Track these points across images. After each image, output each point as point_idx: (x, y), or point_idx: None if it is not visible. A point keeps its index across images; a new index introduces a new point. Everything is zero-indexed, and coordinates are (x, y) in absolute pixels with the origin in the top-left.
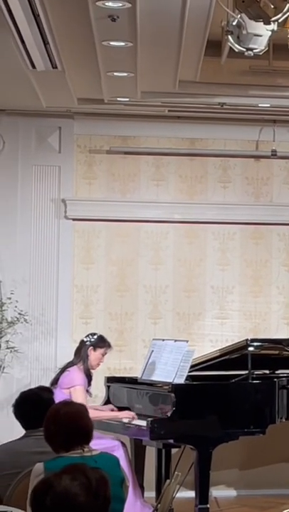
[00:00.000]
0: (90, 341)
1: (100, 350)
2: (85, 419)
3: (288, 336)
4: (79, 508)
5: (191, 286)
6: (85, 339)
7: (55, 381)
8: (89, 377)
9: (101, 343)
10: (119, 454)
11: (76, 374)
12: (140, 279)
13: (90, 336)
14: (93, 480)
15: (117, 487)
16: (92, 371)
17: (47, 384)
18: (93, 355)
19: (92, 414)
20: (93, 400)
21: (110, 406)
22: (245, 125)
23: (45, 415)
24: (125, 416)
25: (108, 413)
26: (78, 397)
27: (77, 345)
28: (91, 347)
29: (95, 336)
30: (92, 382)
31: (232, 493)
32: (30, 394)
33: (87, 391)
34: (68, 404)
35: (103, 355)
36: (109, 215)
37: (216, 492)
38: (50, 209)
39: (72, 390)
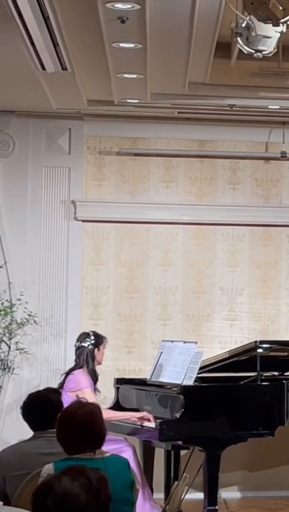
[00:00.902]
0: (91, 343)
1: (102, 346)
2: (100, 423)
3: None
4: (80, 508)
5: (200, 287)
6: (84, 344)
7: (61, 386)
8: (95, 378)
9: (99, 339)
10: (128, 455)
11: (81, 377)
12: (149, 281)
13: (87, 339)
14: (93, 480)
15: (127, 489)
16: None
17: (56, 385)
18: (98, 354)
19: (107, 415)
20: (103, 402)
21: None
22: (254, 127)
23: (54, 416)
24: (142, 415)
25: (124, 413)
26: (89, 400)
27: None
28: (95, 348)
29: (92, 337)
30: (102, 384)
31: (241, 494)
32: (38, 395)
33: (96, 389)
34: (84, 405)
35: (104, 348)
36: (118, 216)
37: (225, 494)
38: (60, 210)
39: (79, 393)
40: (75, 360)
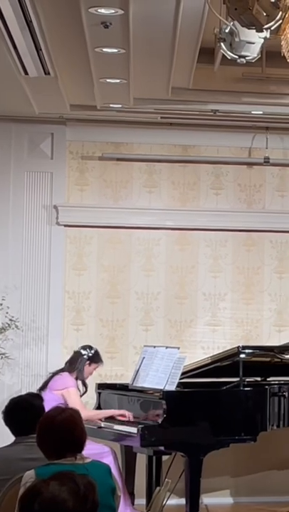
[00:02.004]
0: (88, 355)
1: (94, 365)
2: (79, 428)
3: (280, 343)
4: None
5: (182, 293)
6: (82, 351)
7: (44, 386)
8: (85, 388)
9: (97, 358)
10: (109, 460)
11: (68, 378)
12: (132, 286)
13: (88, 350)
14: (81, 485)
15: (108, 496)
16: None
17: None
18: (88, 368)
19: (88, 414)
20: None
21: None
22: (237, 132)
23: (36, 422)
24: (121, 413)
25: (104, 412)
26: (73, 398)
27: (67, 351)
28: (88, 361)
29: (93, 351)
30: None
31: (222, 500)
32: (20, 400)
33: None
34: (63, 411)
35: (95, 369)
36: (101, 221)
37: (207, 499)
38: (42, 215)
39: (65, 392)
40: (66, 363)
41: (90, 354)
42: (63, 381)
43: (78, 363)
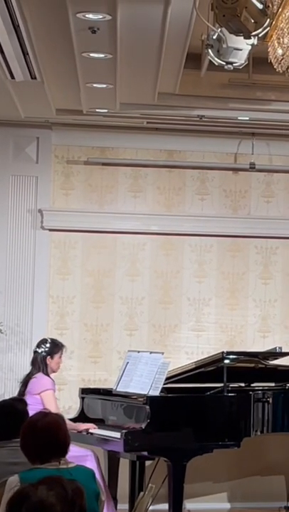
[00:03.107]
0: (45, 350)
1: (56, 356)
2: (63, 432)
3: (264, 349)
4: None
5: (167, 298)
6: (38, 350)
7: (21, 393)
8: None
9: (55, 348)
10: (92, 464)
11: (45, 379)
12: (116, 291)
13: (43, 345)
14: (69, 490)
15: (92, 501)
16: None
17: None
18: (52, 362)
19: None
20: (67, 411)
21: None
22: (223, 138)
23: (20, 426)
24: (86, 427)
25: (72, 424)
26: (50, 401)
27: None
28: (48, 356)
29: (48, 344)
30: (67, 394)
31: (205, 506)
32: (4, 405)
33: None
34: (47, 415)
35: (61, 357)
36: (86, 225)
37: (190, 505)
38: (27, 219)
39: (42, 394)
40: (30, 366)
41: (46, 348)
42: (40, 384)
43: (40, 362)
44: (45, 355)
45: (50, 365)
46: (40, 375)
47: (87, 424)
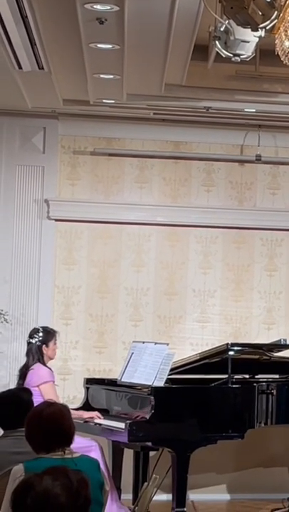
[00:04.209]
0: (39, 339)
1: (51, 343)
2: (67, 421)
3: (268, 341)
4: (59, 508)
5: (172, 289)
6: (32, 340)
7: (21, 384)
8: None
9: (49, 335)
10: (96, 455)
11: (43, 370)
12: (122, 281)
13: (36, 335)
14: (74, 481)
15: (96, 490)
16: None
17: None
18: (48, 350)
19: None
20: (72, 401)
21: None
22: (230, 129)
23: (25, 416)
24: (90, 416)
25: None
26: (50, 393)
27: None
28: (43, 345)
29: (40, 333)
30: (71, 384)
31: (209, 496)
32: (9, 394)
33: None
34: (51, 405)
35: (55, 344)
36: (92, 216)
37: (193, 496)
38: (33, 209)
39: (42, 387)
40: (26, 357)
41: (40, 337)
42: (39, 376)
43: (35, 352)
44: (40, 345)
45: (47, 353)
46: (37, 367)
47: (91, 413)
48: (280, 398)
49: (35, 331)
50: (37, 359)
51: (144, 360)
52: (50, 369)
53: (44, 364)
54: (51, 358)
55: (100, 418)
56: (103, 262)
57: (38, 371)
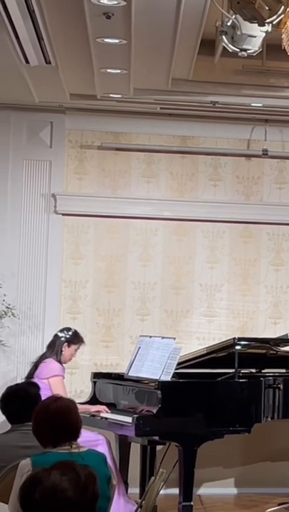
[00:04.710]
0: (66, 337)
1: (74, 346)
2: (74, 416)
3: (275, 336)
4: (67, 503)
5: (179, 283)
6: (59, 334)
7: (30, 375)
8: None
9: (76, 339)
10: (103, 449)
11: (54, 364)
12: (129, 276)
13: (65, 332)
14: (82, 476)
15: (103, 485)
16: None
17: (33, 378)
18: (67, 350)
19: None
20: (79, 395)
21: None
22: (237, 124)
23: (32, 410)
24: (97, 409)
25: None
26: (58, 387)
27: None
28: (66, 343)
29: (70, 332)
30: (79, 378)
31: (216, 491)
32: (17, 389)
33: None
34: (58, 399)
35: (76, 350)
36: (99, 210)
37: (200, 490)
38: (40, 203)
39: (51, 380)
40: (47, 348)
41: (68, 336)
42: (49, 369)
43: (57, 346)
44: (64, 341)
45: (65, 353)
46: (50, 360)
47: (98, 406)
48: (286, 392)
49: (67, 329)
50: (55, 353)
51: (151, 355)
52: (62, 366)
53: (59, 361)
54: (65, 361)
55: (107, 412)
56: (110, 256)
57: (49, 364)
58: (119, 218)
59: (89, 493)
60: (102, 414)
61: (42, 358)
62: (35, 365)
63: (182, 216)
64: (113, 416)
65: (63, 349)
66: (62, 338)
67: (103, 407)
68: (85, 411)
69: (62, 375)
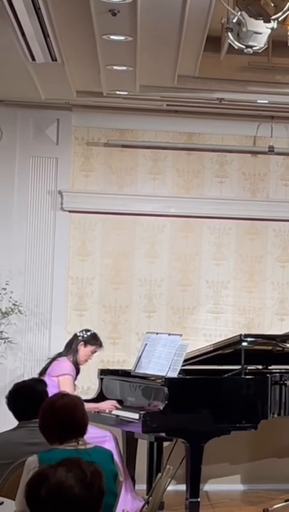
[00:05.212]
0: (83, 337)
1: (90, 348)
2: (80, 412)
3: (282, 332)
4: (73, 500)
5: (186, 280)
6: (78, 333)
7: (44, 371)
8: (77, 370)
9: (93, 340)
10: (110, 445)
11: (66, 363)
12: (135, 272)
13: (84, 332)
14: (88, 473)
15: (110, 481)
16: (80, 367)
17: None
18: (83, 350)
19: None
20: (86, 392)
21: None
22: (243, 121)
23: (39, 407)
24: (107, 407)
25: (90, 404)
26: (66, 386)
27: (70, 336)
28: (82, 342)
29: (89, 333)
30: (86, 374)
31: (223, 487)
32: (24, 385)
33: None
34: (64, 396)
35: (92, 352)
36: (105, 207)
37: (207, 486)
38: (47, 200)
39: (60, 378)
40: (65, 346)
41: (85, 336)
42: (60, 367)
43: (74, 345)
44: (80, 341)
45: (80, 352)
46: (63, 359)
47: (108, 402)
48: None
49: (86, 330)
50: (71, 352)
51: (157, 351)
52: (74, 367)
53: (75, 361)
54: (79, 362)
55: (117, 407)
56: (117, 253)
57: (61, 363)
58: (126, 215)
59: (95, 490)
60: (113, 412)
61: (57, 356)
62: (50, 363)
63: (188, 213)
64: (120, 412)
65: (79, 348)
66: (80, 338)
67: (113, 403)
68: (96, 409)
69: (72, 375)
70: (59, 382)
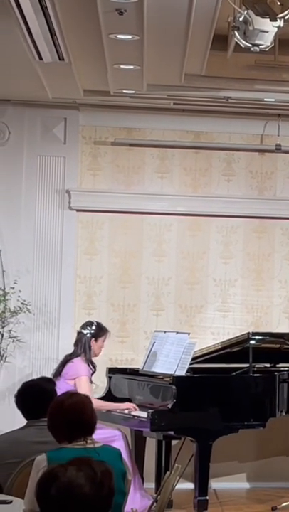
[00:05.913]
0: (90, 332)
1: (101, 339)
2: (89, 411)
3: None
4: (83, 499)
5: (193, 278)
6: (84, 331)
7: (58, 373)
8: (93, 368)
9: (101, 332)
10: (120, 444)
11: (81, 364)
12: (143, 271)
13: (88, 327)
14: (98, 472)
15: (119, 480)
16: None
17: (48, 374)
18: (95, 345)
19: (95, 403)
20: (94, 391)
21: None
22: (250, 119)
23: (48, 406)
24: (127, 407)
25: (110, 404)
26: (84, 387)
27: None
28: (92, 338)
29: (93, 326)
30: (94, 373)
31: (231, 485)
32: (32, 384)
33: (91, 381)
34: (73, 395)
35: (104, 342)
36: (113, 206)
37: (215, 484)
38: (55, 199)
39: (77, 380)
40: (74, 346)
41: (92, 331)
42: (76, 369)
43: (84, 344)
44: (90, 337)
45: (94, 348)
46: (77, 360)
47: (128, 404)
48: None
49: (88, 324)
50: (83, 351)
51: (165, 350)
52: (89, 367)
53: (89, 359)
54: (95, 355)
55: (136, 409)
56: (124, 251)
57: (75, 365)
58: (134, 214)
59: (105, 489)
60: (132, 413)
61: (71, 357)
62: (63, 363)
63: (196, 211)
64: (128, 410)
65: (91, 345)
66: (88, 335)
67: (132, 405)
68: (115, 409)
69: (88, 375)
70: (75, 384)
